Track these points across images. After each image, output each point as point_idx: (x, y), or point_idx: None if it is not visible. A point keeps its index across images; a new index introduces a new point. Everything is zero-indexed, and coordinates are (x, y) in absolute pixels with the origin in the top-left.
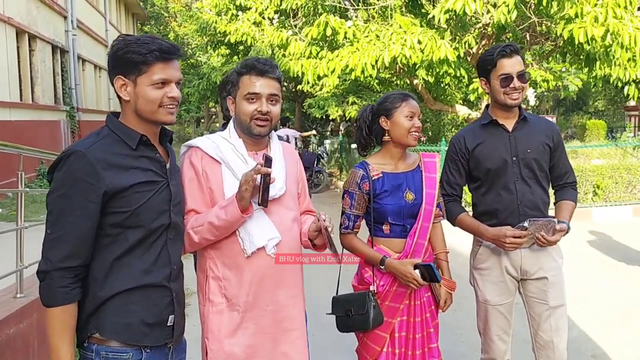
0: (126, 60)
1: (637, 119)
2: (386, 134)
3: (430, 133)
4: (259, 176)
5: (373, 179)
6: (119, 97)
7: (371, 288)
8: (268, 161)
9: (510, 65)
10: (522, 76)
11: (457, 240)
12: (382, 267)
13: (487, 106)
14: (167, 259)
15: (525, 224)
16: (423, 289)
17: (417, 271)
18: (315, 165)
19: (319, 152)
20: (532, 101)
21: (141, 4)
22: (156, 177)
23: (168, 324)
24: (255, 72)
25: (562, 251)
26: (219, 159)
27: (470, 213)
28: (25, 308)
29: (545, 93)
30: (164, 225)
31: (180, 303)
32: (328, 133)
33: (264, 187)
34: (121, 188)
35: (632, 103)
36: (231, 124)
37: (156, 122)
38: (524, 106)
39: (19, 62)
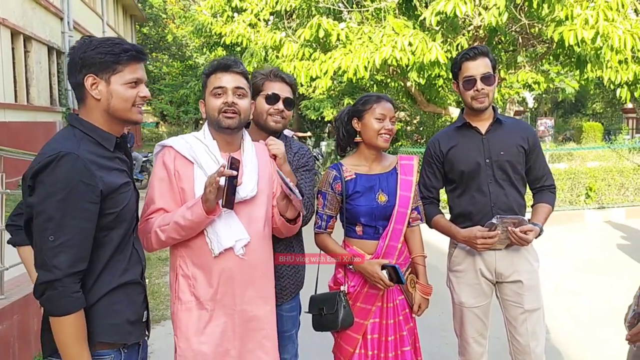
0: (99, 59)
1: (634, 121)
2: (358, 136)
3: (425, 135)
4: (223, 178)
5: (346, 179)
6: (80, 97)
7: (342, 288)
8: (234, 163)
9: (473, 67)
10: (486, 79)
11: (444, 241)
12: (351, 267)
13: (462, 109)
14: (137, 256)
15: (494, 220)
16: (396, 291)
17: (384, 272)
18: None
19: (315, 154)
20: (531, 103)
21: (139, 5)
22: (128, 177)
23: (143, 320)
24: (220, 69)
25: (538, 255)
26: (191, 158)
27: (448, 216)
28: (5, 310)
29: (544, 95)
30: (133, 225)
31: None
32: (325, 135)
33: (228, 189)
34: (113, 189)
35: (629, 105)
36: (206, 125)
37: (127, 121)
38: (520, 109)
39: (13, 63)
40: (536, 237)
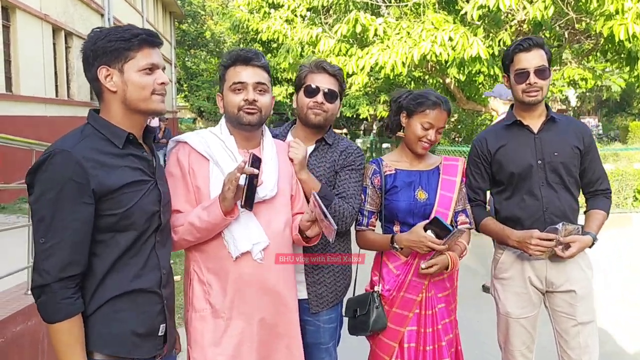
0: (110, 48)
1: None
2: (402, 131)
3: (464, 133)
4: (243, 176)
5: (385, 174)
6: (98, 92)
7: (376, 289)
8: (255, 161)
9: (527, 60)
10: (541, 72)
11: (485, 244)
12: (395, 247)
13: (511, 106)
14: (156, 262)
15: (558, 226)
16: (435, 298)
17: (429, 232)
18: None
19: None
20: (574, 102)
21: (178, 2)
22: (145, 176)
23: (159, 334)
24: (240, 62)
25: (591, 262)
26: (207, 155)
27: None
28: (35, 305)
29: (588, 94)
30: (154, 227)
31: (171, 310)
32: (361, 132)
33: (248, 188)
34: (111, 189)
35: None
36: (222, 120)
37: (147, 112)
38: (563, 107)
39: (55, 58)
40: (590, 247)
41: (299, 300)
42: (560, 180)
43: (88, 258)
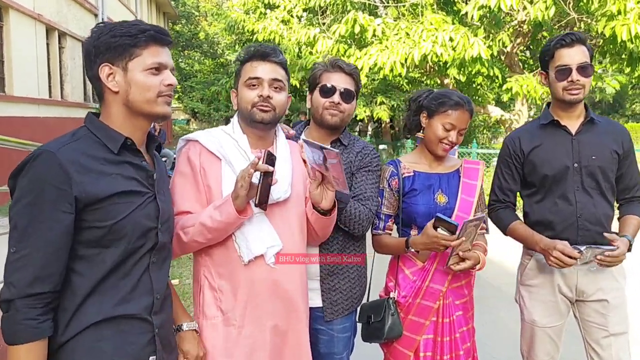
0: (113, 43)
1: None
2: (422, 131)
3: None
4: (257, 173)
5: (403, 176)
6: (99, 93)
7: (391, 295)
8: (270, 159)
9: (569, 55)
10: (583, 69)
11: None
12: (410, 250)
13: (548, 104)
14: (148, 285)
15: (582, 248)
16: (453, 306)
17: (440, 230)
18: None
19: None
20: None
21: (172, 2)
22: (140, 187)
23: None
24: (257, 57)
25: (625, 270)
26: (219, 154)
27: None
28: None
29: None
30: (149, 246)
31: (166, 341)
32: (356, 133)
33: (262, 187)
34: (98, 198)
35: None
36: (235, 118)
37: (151, 116)
38: None
39: (48, 59)
40: (629, 251)
41: (314, 309)
42: (597, 186)
43: (68, 276)
